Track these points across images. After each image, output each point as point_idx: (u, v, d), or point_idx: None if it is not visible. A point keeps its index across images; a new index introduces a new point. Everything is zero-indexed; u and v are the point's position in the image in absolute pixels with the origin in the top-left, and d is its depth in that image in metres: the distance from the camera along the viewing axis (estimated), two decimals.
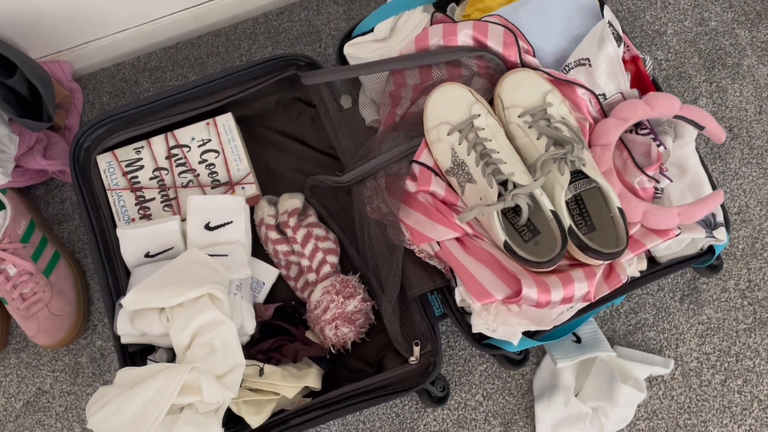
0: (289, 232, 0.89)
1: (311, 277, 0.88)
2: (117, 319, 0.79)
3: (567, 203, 0.76)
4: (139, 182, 0.89)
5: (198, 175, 0.91)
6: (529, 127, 0.76)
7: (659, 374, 0.88)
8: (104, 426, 0.72)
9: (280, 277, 0.90)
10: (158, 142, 0.91)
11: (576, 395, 0.87)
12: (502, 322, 0.76)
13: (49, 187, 0.97)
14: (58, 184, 0.97)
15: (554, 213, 0.72)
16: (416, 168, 0.80)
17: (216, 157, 0.91)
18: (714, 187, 0.82)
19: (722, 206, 0.81)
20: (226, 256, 0.84)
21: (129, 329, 0.79)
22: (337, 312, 0.84)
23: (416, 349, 0.82)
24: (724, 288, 0.91)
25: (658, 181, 0.80)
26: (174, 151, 0.91)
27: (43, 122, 0.83)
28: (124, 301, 0.76)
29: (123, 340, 0.80)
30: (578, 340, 0.87)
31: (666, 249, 0.82)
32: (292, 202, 0.90)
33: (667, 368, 0.87)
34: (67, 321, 0.87)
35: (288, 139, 0.97)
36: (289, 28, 1.04)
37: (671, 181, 0.80)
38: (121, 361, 0.81)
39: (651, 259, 0.84)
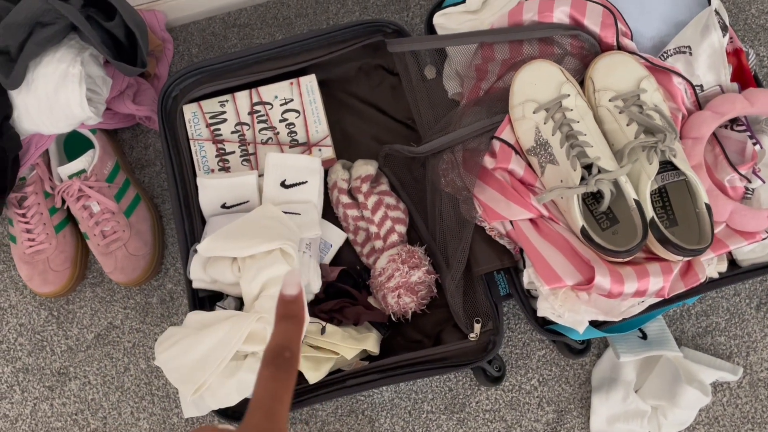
0: (361, 198, 0.89)
1: (378, 244, 0.88)
2: (191, 263, 0.82)
3: (652, 195, 0.74)
4: (221, 134, 0.91)
5: (278, 133, 0.92)
6: (620, 112, 0.74)
7: (726, 380, 0.85)
8: (171, 364, 0.75)
9: (346, 241, 0.91)
10: (242, 98, 0.92)
11: (636, 392, 0.85)
12: (570, 309, 0.74)
13: (135, 133, 1.00)
14: (143, 130, 1.00)
15: (637, 203, 0.70)
16: (496, 144, 0.79)
17: (296, 117, 0.92)
18: None
19: None
20: (299, 214, 0.86)
21: (201, 275, 0.81)
22: (401, 281, 0.84)
23: (477, 326, 0.82)
24: None
25: (749, 181, 0.76)
26: (257, 108, 0.92)
27: (137, 67, 0.85)
28: (199, 247, 0.79)
29: (194, 285, 0.83)
30: (644, 337, 0.85)
31: (749, 252, 0.79)
32: (366, 168, 0.90)
33: (736, 375, 0.84)
34: (142, 261, 0.91)
35: (367, 105, 0.97)
36: None
37: (764, 182, 0.77)
38: (191, 304, 0.83)
39: (731, 262, 0.81)
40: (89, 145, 0.92)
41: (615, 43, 0.77)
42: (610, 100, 0.75)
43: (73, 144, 0.94)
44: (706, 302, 0.88)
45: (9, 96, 0.83)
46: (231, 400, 0.74)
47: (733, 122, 0.79)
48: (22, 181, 0.89)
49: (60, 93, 0.81)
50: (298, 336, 0.37)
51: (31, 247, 0.89)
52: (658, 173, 0.73)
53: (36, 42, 0.80)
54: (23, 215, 0.89)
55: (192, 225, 0.87)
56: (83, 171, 0.88)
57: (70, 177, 0.88)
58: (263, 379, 0.35)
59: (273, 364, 0.35)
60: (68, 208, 0.91)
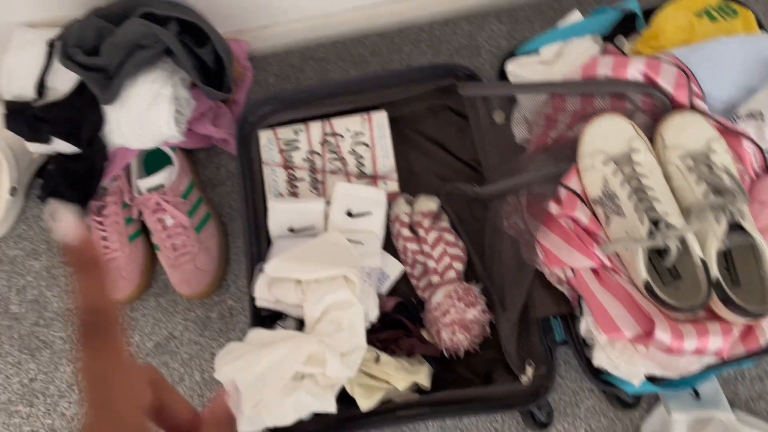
0: (421, 233, 0.92)
1: (435, 279, 0.90)
2: (256, 282, 0.85)
3: (717, 255, 0.75)
4: (292, 161, 0.95)
5: (346, 164, 0.96)
6: (689, 171, 0.75)
7: None
8: (231, 378, 0.78)
9: (403, 273, 0.94)
10: (316, 128, 0.96)
11: None
12: (627, 361, 0.75)
13: (208, 153, 1.05)
14: (216, 151, 1.05)
15: (703, 261, 0.71)
16: (562, 192, 0.81)
17: (365, 150, 0.96)
18: None
19: None
20: (362, 243, 0.89)
21: (265, 294, 0.84)
22: (456, 317, 0.86)
23: (530, 369, 0.82)
24: None
25: None
26: (328, 138, 0.96)
27: (222, 92, 0.90)
28: (267, 267, 0.82)
29: (257, 303, 0.86)
30: (697, 395, 0.84)
31: None
32: (428, 204, 0.93)
33: None
34: (207, 276, 0.94)
35: (433, 144, 1.00)
36: (451, 40, 1.07)
37: None
38: (252, 321, 0.86)
39: None
40: (167, 162, 0.97)
41: (687, 103, 0.79)
42: (679, 158, 0.76)
43: (152, 160, 0.99)
44: (762, 366, 0.87)
45: (103, 110, 0.88)
46: (287, 419, 0.76)
47: None
48: (104, 190, 0.94)
49: (151, 111, 0.86)
50: (102, 287, 0.30)
51: (105, 254, 0.94)
52: (727, 235, 0.74)
53: (134, 63, 0.85)
54: (101, 223, 0.94)
55: (259, 245, 0.91)
56: (162, 186, 0.93)
57: (149, 190, 0.93)
58: (81, 361, 0.29)
59: (85, 340, 0.29)
60: (143, 220, 0.96)
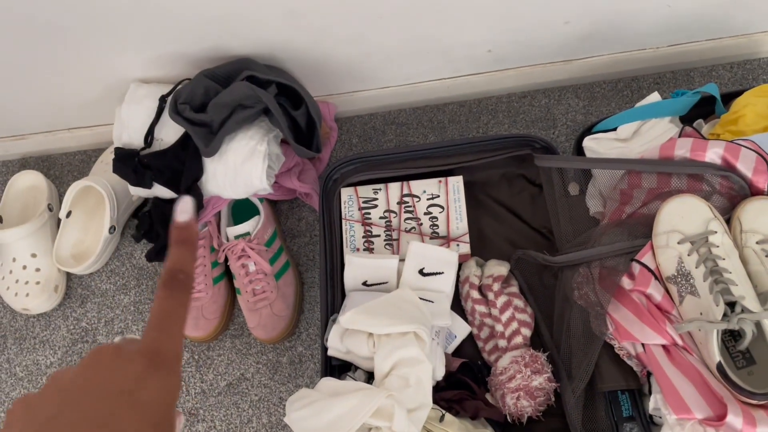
0: (491, 296, 0.94)
1: (502, 343, 0.92)
2: (329, 332, 0.89)
3: None
4: (370, 218, 1.00)
5: (421, 224, 1.00)
6: (767, 256, 0.75)
7: None
8: (302, 424, 0.81)
9: (469, 335, 0.96)
10: (394, 188, 1.01)
11: None
12: None
13: (291, 205, 1.12)
14: (299, 204, 1.11)
15: None
16: (636, 267, 0.82)
17: (440, 212, 1.00)
18: None
19: None
20: (432, 302, 0.92)
21: (337, 344, 0.88)
22: (522, 384, 0.87)
23: None
24: None
25: None
26: (405, 199, 1.01)
27: (312, 151, 0.97)
28: (341, 318, 0.86)
29: (329, 352, 0.89)
30: None
31: None
32: (499, 268, 0.96)
33: None
34: (282, 322, 0.99)
35: (505, 210, 1.03)
36: (528, 111, 1.12)
37: None
38: (323, 370, 0.90)
39: None
40: (254, 211, 1.04)
41: (766, 189, 0.80)
42: (757, 243, 0.77)
43: (240, 208, 1.06)
44: None
45: (203, 162, 0.96)
46: None
47: None
48: None
49: (246, 165, 0.94)
50: (192, 259, 0.40)
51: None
52: None
53: (236, 120, 0.93)
54: None
55: (334, 296, 0.95)
56: (248, 233, 0.99)
57: (236, 237, 0.99)
58: (159, 298, 0.37)
59: (168, 286, 0.38)
60: (227, 264, 1.02)
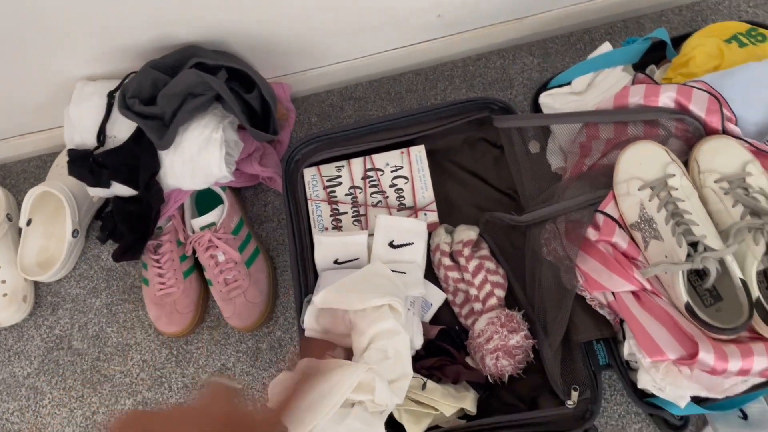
0: (462, 261, 0.94)
1: (477, 306, 0.93)
2: (305, 313, 0.89)
3: (757, 275, 0.75)
4: (335, 196, 1.00)
5: (387, 197, 0.99)
6: (725, 194, 0.76)
7: None
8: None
9: (445, 302, 0.96)
10: (357, 164, 1.01)
11: None
12: (671, 383, 0.75)
13: (256, 191, 1.10)
14: (263, 189, 1.10)
15: (743, 282, 0.72)
16: (600, 218, 0.83)
17: (405, 183, 0.99)
18: None
19: None
20: (405, 273, 0.92)
21: (314, 324, 0.88)
22: (500, 344, 0.87)
23: (574, 394, 0.83)
24: None
25: None
26: (369, 173, 1.00)
27: (269, 133, 0.96)
28: (315, 298, 0.85)
29: (306, 334, 0.89)
30: (745, 417, 0.84)
31: None
32: (468, 233, 0.96)
33: None
34: (257, 309, 0.98)
35: (470, 175, 1.03)
36: (484, 74, 1.11)
37: None
38: (302, 351, 0.89)
39: None
40: (218, 201, 1.03)
41: (720, 128, 0.81)
42: (715, 182, 0.78)
43: (204, 199, 1.05)
44: None
45: (159, 155, 0.94)
46: None
47: None
48: (160, 230, 1.00)
49: (203, 154, 0.92)
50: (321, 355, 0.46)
51: (161, 290, 0.99)
52: (764, 254, 0.75)
53: (188, 110, 0.91)
54: (157, 261, 0.99)
55: (306, 278, 0.95)
56: (213, 224, 0.98)
57: (202, 228, 0.98)
58: (293, 382, 0.42)
59: (305, 380, 0.43)
60: (196, 256, 1.01)
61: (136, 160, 0.94)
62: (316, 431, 0.79)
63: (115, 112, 0.96)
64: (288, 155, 1.01)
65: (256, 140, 0.98)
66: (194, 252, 1.00)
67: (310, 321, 0.88)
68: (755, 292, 0.72)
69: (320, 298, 0.85)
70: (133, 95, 0.92)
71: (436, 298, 0.96)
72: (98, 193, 0.99)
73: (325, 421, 0.79)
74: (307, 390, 0.80)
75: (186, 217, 1.01)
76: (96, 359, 1.05)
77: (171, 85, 0.90)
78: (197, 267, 1.03)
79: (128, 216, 0.98)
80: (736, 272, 0.72)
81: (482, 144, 1.04)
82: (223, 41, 1.00)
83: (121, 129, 0.96)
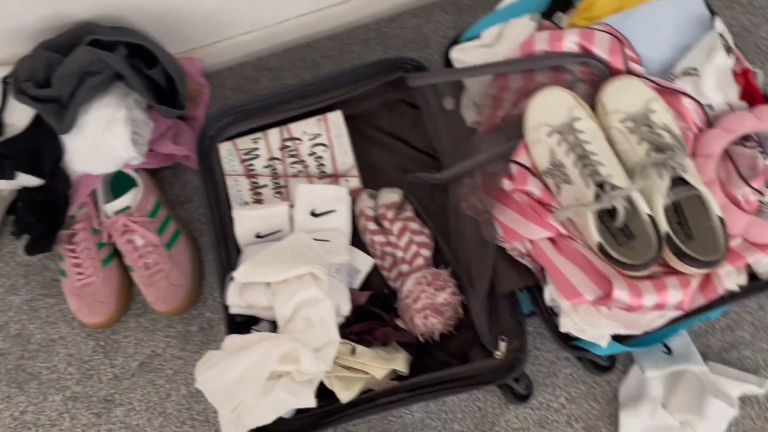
0: (386, 224, 0.94)
1: (404, 268, 0.92)
2: (227, 290, 0.87)
3: (666, 211, 0.77)
4: (254, 169, 0.97)
5: (307, 166, 0.97)
6: (631, 133, 0.77)
7: (753, 393, 0.85)
8: (210, 385, 0.79)
9: (375, 267, 0.95)
10: (274, 134, 0.98)
11: (664, 407, 0.86)
12: (591, 323, 0.76)
13: (174, 171, 1.07)
14: (182, 169, 1.07)
15: (651, 217, 0.73)
16: (513, 168, 0.82)
17: (324, 151, 0.98)
18: None
19: None
20: (328, 241, 0.90)
21: (237, 300, 0.86)
22: (427, 302, 0.87)
23: (502, 345, 0.84)
24: None
25: (762, 194, 0.78)
26: (287, 143, 0.98)
27: (176, 109, 0.92)
28: (235, 273, 0.83)
29: (231, 311, 0.87)
30: (669, 352, 0.86)
31: None
32: (390, 196, 0.95)
33: (763, 388, 0.84)
34: (182, 291, 0.96)
35: (391, 138, 1.02)
36: (399, 35, 1.10)
37: None
38: (228, 329, 0.88)
39: (752, 275, 0.82)
40: (133, 184, 0.99)
41: (624, 68, 0.81)
42: (620, 121, 0.78)
43: (119, 183, 1.01)
44: (730, 317, 0.89)
45: (61, 140, 0.90)
46: (267, 418, 0.77)
47: (745, 139, 0.81)
48: (72, 218, 0.96)
49: (107, 135, 0.88)
50: None
51: (80, 280, 0.96)
52: (672, 189, 0.76)
53: (85, 90, 0.87)
54: (73, 250, 0.96)
55: (228, 255, 0.93)
56: (128, 207, 0.95)
57: (116, 213, 0.95)
58: None
59: None
60: (114, 243, 0.98)
61: (38, 147, 0.90)
62: (243, 406, 0.78)
63: (12, 99, 0.91)
64: (201, 131, 0.98)
65: (165, 117, 0.95)
66: (111, 238, 0.97)
67: (233, 297, 0.86)
68: (664, 227, 0.73)
69: (240, 272, 0.83)
70: (26, 78, 0.88)
71: (364, 263, 0.95)
72: (4, 185, 0.95)
73: (252, 396, 0.78)
74: (231, 366, 0.79)
75: (99, 203, 0.97)
76: (20, 358, 1.01)
77: (65, 64, 0.86)
78: (117, 254, 0.99)
79: (36, 206, 0.93)
80: (644, 208, 0.73)
81: (401, 106, 1.03)
82: (122, 17, 0.96)
83: (20, 116, 0.92)
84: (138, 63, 0.91)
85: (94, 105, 0.89)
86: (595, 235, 0.74)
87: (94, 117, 0.88)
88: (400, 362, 0.85)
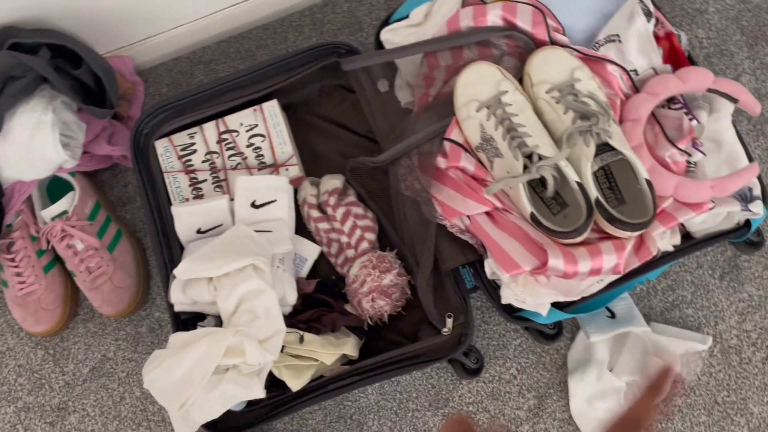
0: (330, 211, 0.93)
1: (350, 253, 0.92)
2: (171, 288, 0.86)
3: (597, 177, 0.78)
4: (192, 165, 0.96)
5: (246, 158, 0.97)
6: (557, 102, 0.78)
7: (696, 350, 0.87)
8: (157, 384, 0.79)
9: (322, 254, 0.95)
10: (210, 128, 0.97)
11: (611, 370, 0.87)
12: (531, 293, 0.78)
13: (114, 173, 1.05)
14: (122, 170, 1.05)
15: (580, 184, 0.74)
16: (447, 145, 0.83)
17: (262, 141, 0.97)
18: (751, 161, 0.81)
19: (759, 179, 0.80)
20: (270, 232, 0.90)
21: (181, 298, 0.85)
22: (374, 285, 0.87)
23: (449, 321, 0.85)
24: (767, 265, 0.90)
25: (690, 155, 0.80)
26: (224, 136, 0.97)
27: (106, 109, 0.90)
28: (176, 270, 0.82)
29: (176, 308, 0.87)
30: (612, 316, 0.88)
31: (702, 224, 0.82)
32: (332, 182, 0.95)
33: (705, 344, 0.86)
34: (128, 293, 0.95)
35: (331, 124, 1.02)
36: (333, 20, 1.09)
37: (704, 154, 0.80)
38: (174, 327, 0.87)
39: (686, 235, 0.83)
40: (70, 188, 0.97)
41: (547, 39, 0.82)
42: (547, 92, 0.79)
43: (56, 188, 0.99)
44: (670, 277, 0.91)
45: None
46: (215, 413, 0.77)
47: (671, 101, 0.83)
48: (9, 227, 0.94)
49: (35, 140, 0.86)
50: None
51: (22, 289, 0.94)
52: (599, 155, 0.77)
53: (9, 95, 0.85)
54: (12, 260, 0.94)
55: (171, 253, 0.92)
56: (65, 212, 0.93)
57: (53, 219, 0.93)
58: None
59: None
60: (54, 248, 0.96)
61: None
62: (191, 403, 0.78)
63: None
64: (136, 130, 0.96)
65: (96, 117, 0.93)
66: (50, 244, 0.95)
67: (176, 295, 0.86)
68: (593, 193, 0.74)
69: (181, 268, 0.82)
70: None
71: (311, 252, 0.95)
72: None
73: (200, 391, 0.77)
74: (177, 363, 0.78)
75: (36, 210, 0.95)
76: None
77: None
78: (59, 260, 0.98)
79: None
80: (572, 176, 0.74)
81: (339, 91, 1.02)
82: (45, 19, 0.93)
83: None
84: (63, 64, 0.89)
85: (19, 110, 0.87)
86: (527, 206, 0.74)
87: (19, 122, 0.86)
88: (349, 347, 0.85)
